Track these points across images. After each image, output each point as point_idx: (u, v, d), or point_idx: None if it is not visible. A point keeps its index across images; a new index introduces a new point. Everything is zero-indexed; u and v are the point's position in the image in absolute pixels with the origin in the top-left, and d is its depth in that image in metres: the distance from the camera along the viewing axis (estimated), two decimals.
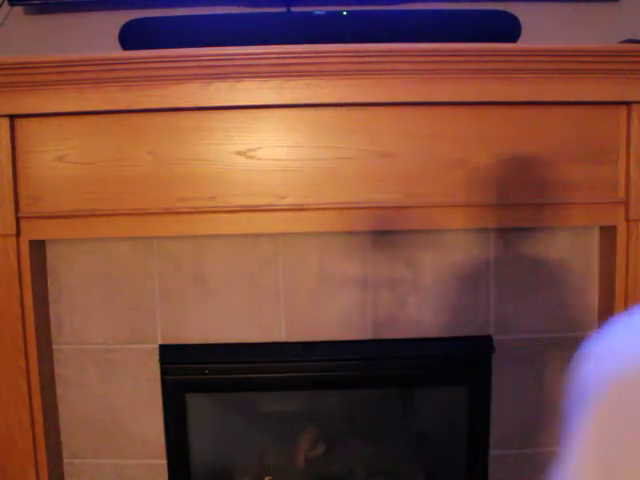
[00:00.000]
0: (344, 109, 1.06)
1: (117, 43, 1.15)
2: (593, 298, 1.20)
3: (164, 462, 1.23)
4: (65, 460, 1.23)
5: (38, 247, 1.15)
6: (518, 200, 1.10)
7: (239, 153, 1.08)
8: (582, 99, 1.06)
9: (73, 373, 1.21)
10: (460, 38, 1.07)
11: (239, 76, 1.03)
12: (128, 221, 1.10)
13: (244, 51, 1.01)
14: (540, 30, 1.32)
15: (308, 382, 1.23)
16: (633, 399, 0.39)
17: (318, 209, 1.09)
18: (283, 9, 1.21)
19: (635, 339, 0.43)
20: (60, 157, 1.08)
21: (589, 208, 1.11)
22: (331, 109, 1.07)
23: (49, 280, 1.18)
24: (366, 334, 1.20)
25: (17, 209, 1.09)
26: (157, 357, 1.20)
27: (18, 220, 1.09)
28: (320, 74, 1.03)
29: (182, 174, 1.08)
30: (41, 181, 1.09)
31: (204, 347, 1.20)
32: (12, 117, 1.06)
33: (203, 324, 1.20)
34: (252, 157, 1.09)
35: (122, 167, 1.08)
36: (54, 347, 1.20)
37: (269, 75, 1.03)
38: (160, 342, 1.20)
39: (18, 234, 1.09)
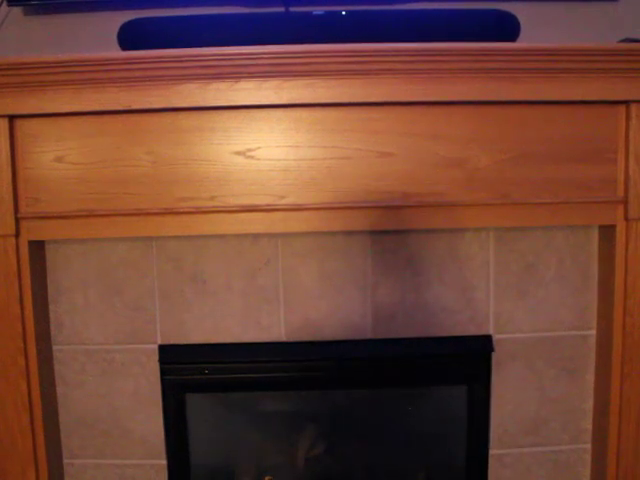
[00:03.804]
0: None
1: (116, 43, 1.16)
2: (592, 297, 1.20)
3: (164, 462, 1.23)
4: (65, 460, 1.23)
5: (38, 247, 1.15)
6: (517, 199, 1.10)
7: (238, 153, 1.09)
8: (581, 98, 1.06)
9: (73, 373, 1.21)
10: (459, 38, 1.07)
11: (238, 76, 1.03)
12: (127, 221, 1.10)
13: (243, 51, 1.01)
14: (539, 29, 1.32)
15: (308, 382, 1.23)
16: None
17: (317, 209, 1.09)
18: (282, 9, 1.21)
19: None
20: (59, 157, 1.08)
21: (588, 207, 1.11)
22: (330, 109, 1.07)
23: (49, 280, 1.19)
24: (366, 334, 1.21)
25: (16, 209, 1.09)
26: (157, 357, 1.20)
27: (17, 220, 1.09)
28: (319, 74, 1.03)
29: (181, 174, 1.09)
30: (40, 181, 1.09)
31: (204, 347, 1.20)
32: (11, 117, 1.06)
33: (203, 324, 1.20)
34: (251, 157, 1.09)
35: (121, 167, 1.08)
36: (54, 347, 1.20)
37: (268, 75, 1.03)
38: (160, 342, 1.20)
39: (17, 235, 1.09)
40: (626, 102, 1.08)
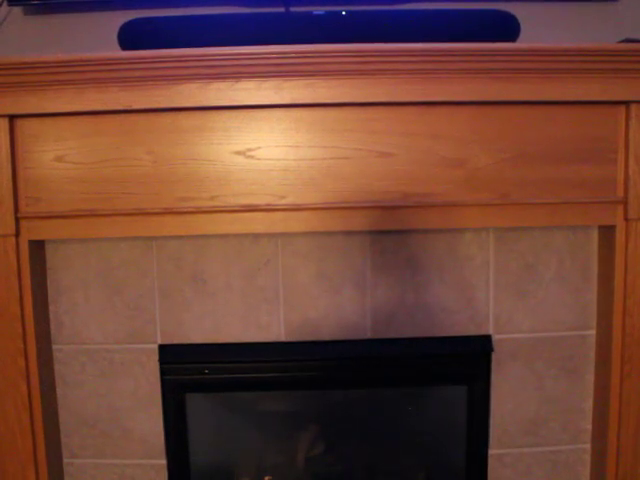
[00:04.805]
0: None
1: (116, 43, 1.16)
2: (592, 297, 1.20)
3: (164, 462, 1.23)
4: (65, 460, 1.23)
5: (38, 247, 1.15)
6: (517, 200, 1.10)
7: (238, 153, 1.09)
8: (581, 98, 1.06)
9: (73, 373, 1.21)
10: (459, 38, 1.07)
11: (238, 76, 1.03)
12: (128, 221, 1.10)
13: (243, 51, 1.01)
14: (539, 30, 1.32)
15: (308, 382, 1.23)
16: None
17: (317, 209, 1.09)
18: (282, 9, 1.21)
19: None
20: (59, 157, 1.08)
21: (588, 207, 1.11)
22: (330, 109, 1.07)
23: (49, 280, 1.19)
24: (365, 333, 1.21)
25: (16, 209, 1.09)
26: (157, 357, 1.20)
27: (17, 220, 1.09)
28: (319, 74, 1.03)
29: (182, 174, 1.09)
30: (40, 181, 1.09)
31: (204, 347, 1.20)
32: (11, 117, 1.06)
33: (203, 324, 1.20)
34: (251, 157, 1.09)
35: (121, 167, 1.08)
36: (54, 347, 1.20)
37: (268, 75, 1.03)
38: (160, 342, 1.20)
39: (17, 234, 1.09)
40: (626, 102, 1.08)
